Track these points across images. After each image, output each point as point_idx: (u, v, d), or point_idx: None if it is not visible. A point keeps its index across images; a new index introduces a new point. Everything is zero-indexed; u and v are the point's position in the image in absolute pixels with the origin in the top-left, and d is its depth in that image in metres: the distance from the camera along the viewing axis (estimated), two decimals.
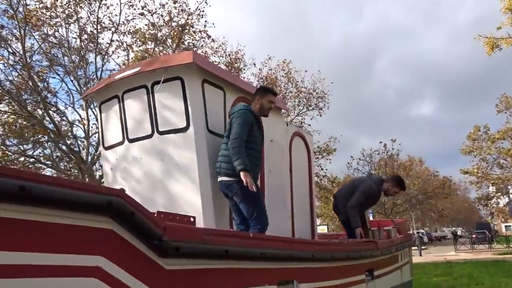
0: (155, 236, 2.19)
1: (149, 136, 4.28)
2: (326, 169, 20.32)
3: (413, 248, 33.18)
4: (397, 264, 6.42)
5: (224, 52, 18.21)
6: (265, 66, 19.44)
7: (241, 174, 3.82)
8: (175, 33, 15.07)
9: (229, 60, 18.46)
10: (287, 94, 19.37)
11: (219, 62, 17.92)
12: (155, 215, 2.56)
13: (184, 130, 4.08)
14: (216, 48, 18.00)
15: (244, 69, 18.50)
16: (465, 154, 24.40)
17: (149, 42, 14.39)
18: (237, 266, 2.85)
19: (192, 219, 2.76)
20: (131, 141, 4.42)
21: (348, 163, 21.23)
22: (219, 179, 4.08)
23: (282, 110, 5.53)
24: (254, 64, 17.64)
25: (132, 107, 4.43)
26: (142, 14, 13.71)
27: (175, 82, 4.12)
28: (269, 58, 19.46)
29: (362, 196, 5.69)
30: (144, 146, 4.33)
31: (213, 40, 15.25)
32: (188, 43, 14.96)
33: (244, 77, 19.20)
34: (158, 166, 4.22)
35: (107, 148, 4.70)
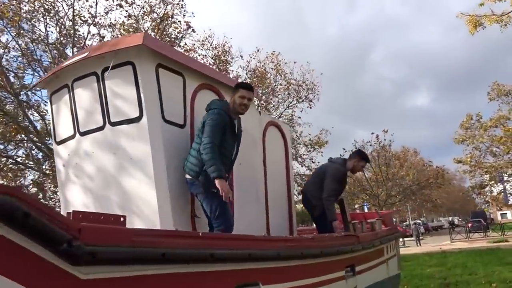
0: (62, 240, 1.82)
1: (100, 128, 3.90)
2: (318, 162, 19.95)
3: (410, 239, 32.94)
4: (383, 257, 6.09)
5: (211, 45, 17.84)
6: (254, 58, 19.06)
7: (216, 181, 3.53)
8: (156, 25, 14.65)
9: (216, 53, 18.09)
10: (276, 87, 19.00)
11: (205, 55, 17.57)
12: (71, 215, 2.18)
13: (137, 120, 3.70)
14: (202, 40, 17.64)
15: (231, 62, 18.13)
16: (458, 143, 24.15)
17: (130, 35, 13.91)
18: (181, 271, 2.49)
19: (122, 219, 2.39)
20: (83, 134, 4.04)
21: (341, 155, 20.84)
22: (186, 176, 3.78)
23: (254, 99, 5.16)
24: (241, 57, 17.23)
25: (82, 96, 4.04)
26: (120, 5, 13.24)
27: (126, 67, 3.74)
28: (258, 51, 19.08)
29: (334, 182, 5.31)
30: (96, 139, 3.95)
31: (193, 31, 14.78)
32: (171, 35, 14.51)
33: (232, 70, 18.87)
34: (111, 160, 3.85)
35: (59, 143, 4.31)
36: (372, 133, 19.67)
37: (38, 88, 4.39)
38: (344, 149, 20.39)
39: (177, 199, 3.72)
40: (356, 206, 28.42)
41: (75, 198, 4.15)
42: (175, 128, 3.85)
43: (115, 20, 13.95)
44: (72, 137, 4.13)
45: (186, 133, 3.97)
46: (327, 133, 19.83)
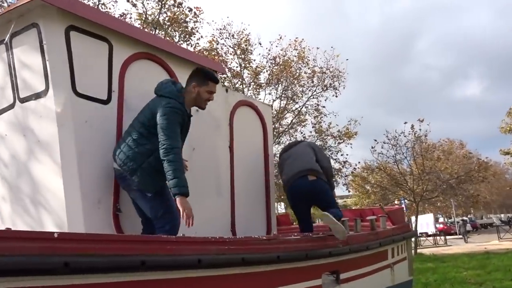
0: None
1: (11, 106, 3.30)
2: (347, 155, 18.80)
3: (454, 237, 31.01)
4: (385, 261, 5.14)
5: (229, 34, 17.17)
6: (277, 46, 18.20)
7: (178, 200, 2.89)
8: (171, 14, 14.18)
9: (236, 42, 17.42)
10: (300, 75, 18.02)
11: (223, 44, 16.95)
12: None
13: (43, 94, 3.06)
14: (220, 29, 17.03)
15: (251, 50, 17.38)
16: (504, 132, 21.95)
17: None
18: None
19: None
20: None
21: (372, 147, 19.55)
22: (114, 165, 3.10)
23: (218, 73, 4.38)
24: (260, 44, 16.42)
25: None
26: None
27: (31, 31, 3.10)
28: (280, 38, 18.19)
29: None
30: (8, 119, 3.35)
31: (195, 14, 14.15)
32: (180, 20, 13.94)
33: (254, 60, 18.11)
34: (21, 144, 3.24)
35: None
36: (405, 123, 18.17)
37: None
38: (375, 140, 19.05)
39: (93, 191, 3.05)
40: (396, 202, 26.90)
41: None
42: (94, 104, 3.17)
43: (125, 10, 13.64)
44: None
45: (111, 110, 3.28)
46: (356, 123, 18.56)
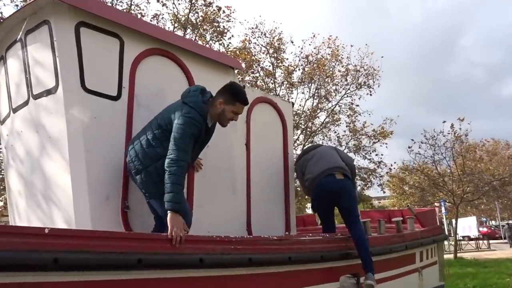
0: None
1: (26, 103, 3.35)
2: (382, 155, 18.22)
3: (498, 241, 29.43)
4: (413, 265, 4.88)
5: (262, 33, 17.10)
6: (310, 44, 17.96)
7: (168, 215, 2.67)
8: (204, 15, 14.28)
9: (269, 41, 17.31)
10: (333, 74, 17.67)
11: (255, 43, 16.89)
12: None
13: (53, 90, 3.08)
14: (252, 28, 16.99)
15: (284, 49, 17.21)
16: None
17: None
18: None
19: None
20: (15, 110, 3.52)
21: (409, 147, 18.86)
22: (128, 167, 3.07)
23: (236, 69, 4.29)
24: (292, 42, 16.21)
25: (12, 67, 3.53)
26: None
27: (43, 28, 3.14)
28: (314, 36, 17.92)
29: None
30: (24, 116, 3.40)
31: (225, 13, 14.14)
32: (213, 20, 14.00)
33: (287, 59, 17.92)
34: (34, 140, 3.28)
35: (2, 122, 3.86)
36: (444, 122, 17.37)
37: None
38: (412, 140, 18.35)
39: (101, 187, 3.03)
40: (436, 204, 25.92)
41: (13, 184, 3.67)
42: (103, 100, 3.15)
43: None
44: (9, 115, 3.64)
45: (121, 106, 3.26)
46: (392, 122, 17.97)
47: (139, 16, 13.57)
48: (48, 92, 3.10)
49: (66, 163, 2.98)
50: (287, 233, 4.36)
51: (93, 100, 3.08)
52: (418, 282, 4.93)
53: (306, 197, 12.60)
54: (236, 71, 4.29)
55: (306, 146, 5.05)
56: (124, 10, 12.96)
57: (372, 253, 3.97)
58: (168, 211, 2.67)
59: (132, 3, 12.77)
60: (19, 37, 3.26)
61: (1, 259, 1.79)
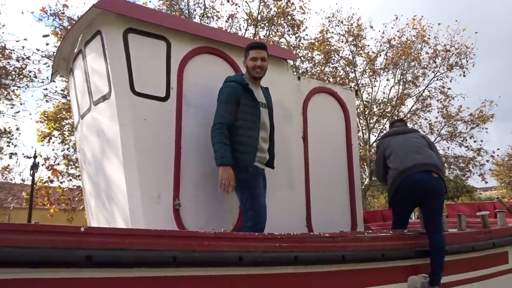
0: None
1: (89, 110, 3.61)
2: (481, 141, 16.51)
3: None
4: (504, 266, 4.31)
5: (339, 21, 16.55)
6: (392, 28, 16.97)
7: (220, 170, 3.11)
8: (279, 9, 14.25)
9: (347, 29, 16.71)
10: (421, 57, 16.46)
11: (333, 32, 16.41)
12: None
13: (108, 96, 3.26)
14: (329, 17, 16.53)
15: (363, 35, 16.47)
16: None
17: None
18: None
19: None
20: (82, 117, 3.82)
21: None
22: None
23: (289, 61, 4.16)
24: (371, 27, 15.44)
25: (77, 78, 3.83)
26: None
27: (96, 38, 3.34)
28: (396, 18, 16.88)
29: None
30: (88, 122, 3.67)
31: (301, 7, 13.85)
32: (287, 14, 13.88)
33: (368, 45, 17.13)
34: (96, 144, 3.52)
35: (75, 129, 4.21)
36: None
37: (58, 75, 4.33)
38: None
39: (153, 186, 3.14)
40: None
41: (86, 185, 3.99)
42: (152, 102, 3.26)
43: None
44: (79, 122, 3.96)
45: (170, 106, 3.34)
46: (492, 105, 16.17)
47: (214, 18, 14.03)
48: (104, 98, 3.30)
49: (120, 164, 3.14)
50: (341, 230, 4.12)
51: (142, 102, 3.20)
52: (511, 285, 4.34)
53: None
54: (290, 62, 4.16)
55: (396, 125, 4.43)
56: (200, 14, 13.49)
57: (449, 251, 3.58)
58: (219, 166, 3.09)
59: (207, 6, 13.17)
60: (78, 48, 3.52)
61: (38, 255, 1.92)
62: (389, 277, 3.28)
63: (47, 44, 17.88)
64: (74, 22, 3.67)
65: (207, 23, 14.05)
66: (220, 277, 2.45)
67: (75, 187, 12.00)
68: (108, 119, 3.27)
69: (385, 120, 16.89)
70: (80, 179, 4.40)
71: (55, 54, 4.30)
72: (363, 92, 16.94)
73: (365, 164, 15.74)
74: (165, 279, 2.26)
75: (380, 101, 17.43)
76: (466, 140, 16.27)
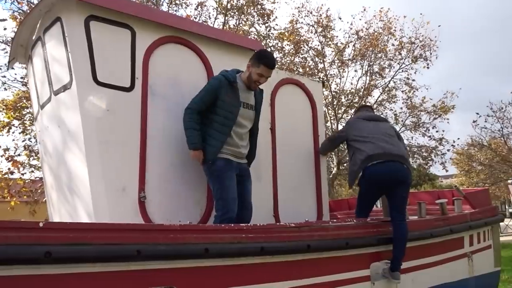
0: None
1: (49, 100, 3.48)
2: (443, 131, 17.11)
3: None
4: (460, 250, 4.52)
5: (308, 11, 16.61)
6: (360, 19, 17.18)
7: (191, 152, 3.26)
8: None
9: (316, 20, 16.79)
10: (387, 48, 16.78)
11: (302, 22, 16.46)
12: None
13: (69, 85, 3.15)
14: (298, 8, 16.55)
15: (333, 26, 16.61)
16: None
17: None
18: None
19: None
20: (42, 107, 3.68)
21: (474, 121, 17.55)
22: None
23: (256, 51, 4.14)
24: (340, 18, 15.59)
25: (37, 66, 3.68)
26: None
27: (56, 25, 3.21)
28: (364, 10, 17.11)
29: None
30: (48, 112, 3.55)
31: None
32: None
33: (336, 36, 17.30)
34: (57, 135, 3.40)
35: (35, 119, 4.06)
36: None
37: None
38: (477, 113, 17.06)
39: (117, 178, 3.08)
40: (509, 181, 24.12)
41: (47, 178, 3.87)
42: (116, 92, 3.18)
43: None
44: (39, 112, 3.82)
45: (135, 97, 3.27)
46: (453, 96, 16.75)
47: (183, 6, 13.76)
48: (65, 87, 3.19)
49: (83, 156, 3.05)
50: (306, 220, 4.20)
51: (105, 92, 3.12)
52: (467, 268, 4.56)
53: None
54: None
55: (364, 110, 4.38)
56: (168, 1, 13.19)
57: (409, 238, 3.71)
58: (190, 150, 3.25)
59: None
60: (37, 35, 3.38)
61: None
62: (353, 265, 3.37)
63: (5, 28, 17.36)
64: (33, 6, 3.48)
65: (175, 11, 13.78)
66: (186, 269, 2.45)
67: (37, 178, 11.61)
68: (70, 110, 3.17)
69: (353, 110, 17.17)
70: (42, 171, 4.24)
71: (12, 40, 4.10)
72: (331, 82, 17.12)
73: (332, 153, 16.01)
74: (130, 273, 2.23)
75: (348, 91, 17.68)
76: (429, 130, 16.82)
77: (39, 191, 11.30)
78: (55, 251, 1.96)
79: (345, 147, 4.26)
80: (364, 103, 16.13)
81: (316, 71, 16.60)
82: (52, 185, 3.68)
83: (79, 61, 3.06)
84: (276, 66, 3.52)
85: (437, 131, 16.95)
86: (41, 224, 1.98)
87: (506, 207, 40.41)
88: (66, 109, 3.21)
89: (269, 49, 14.44)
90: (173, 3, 13.59)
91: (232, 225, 2.74)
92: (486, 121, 16.72)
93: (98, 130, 3.04)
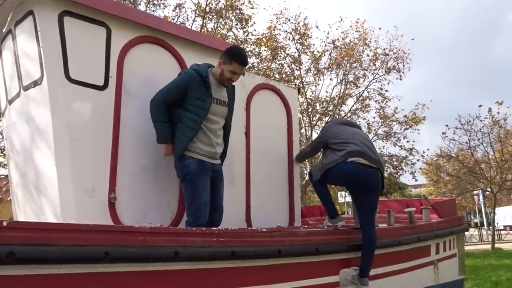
0: None
1: (18, 95, 3.37)
2: (414, 141, 17.57)
3: None
4: (427, 258, 4.63)
5: (286, 18, 16.77)
6: (337, 29, 17.46)
7: (162, 146, 3.25)
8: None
9: (294, 27, 16.97)
10: (362, 59, 17.12)
11: (280, 29, 16.60)
12: None
13: (39, 81, 3.06)
14: (277, 14, 16.69)
15: (310, 34, 16.82)
16: None
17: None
18: None
19: None
20: (10, 102, 3.56)
21: (443, 133, 18.09)
22: None
23: None
24: (317, 27, 15.80)
25: (6, 60, 3.57)
26: None
27: (28, 18, 3.12)
28: (341, 20, 17.40)
29: None
30: (17, 108, 3.43)
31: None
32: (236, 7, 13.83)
33: (313, 44, 17.53)
34: (26, 131, 3.30)
35: (2, 115, 3.92)
36: (480, 106, 16.48)
37: None
38: (446, 125, 17.60)
39: (87, 179, 3.00)
40: (475, 192, 24.95)
41: (13, 175, 3.73)
42: (89, 90, 3.11)
43: None
44: (6, 107, 3.69)
45: (108, 96, 3.21)
46: (424, 108, 17.25)
47: (161, 6, 13.63)
48: (35, 83, 3.10)
49: (52, 154, 2.96)
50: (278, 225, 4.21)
51: (78, 90, 3.05)
52: (433, 276, 4.68)
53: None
54: None
55: (345, 118, 4.47)
56: (145, 1, 13.05)
57: (378, 245, 3.77)
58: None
59: None
60: (7, 28, 3.27)
61: None
62: (323, 271, 3.40)
63: None
64: None
65: (153, 11, 13.64)
66: (156, 272, 2.40)
67: (2, 176, 11.23)
68: (39, 106, 3.07)
69: (327, 118, 17.40)
70: (7, 168, 4.09)
71: None
72: (307, 90, 17.32)
73: (306, 160, 16.14)
74: (96, 275, 2.18)
75: (323, 99, 17.93)
76: (400, 140, 17.22)
77: (4, 189, 10.90)
78: (19, 251, 1.89)
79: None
80: (337, 116, 16.42)
81: (292, 77, 16.75)
82: (18, 183, 3.55)
83: (51, 56, 2.98)
84: (252, 72, 3.54)
85: (407, 141, 17.42)
86: (4, 223, 1.91)
87: (472, 217, 41.78)
88: (36, 106, 3.12)
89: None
90: (151, 3, 13.47)
91: (204, 228, 2.71)
92: (454, 133, 17.25)
93: (69, 128, 2.97)
